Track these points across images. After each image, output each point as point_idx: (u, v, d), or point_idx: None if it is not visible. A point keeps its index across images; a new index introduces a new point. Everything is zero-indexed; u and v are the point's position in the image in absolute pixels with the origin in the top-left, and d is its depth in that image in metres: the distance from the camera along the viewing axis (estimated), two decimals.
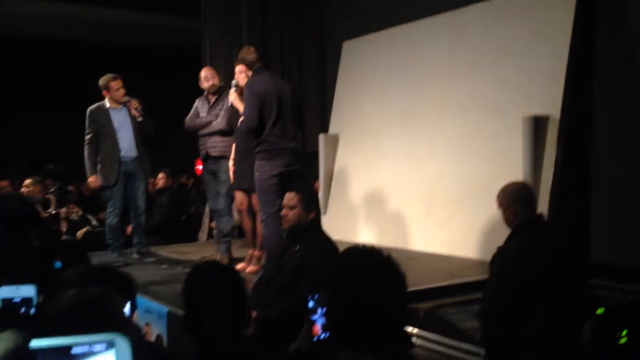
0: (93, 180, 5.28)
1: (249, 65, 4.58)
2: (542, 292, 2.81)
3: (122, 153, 5.30)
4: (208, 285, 1.80)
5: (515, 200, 3.06)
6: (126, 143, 5.32)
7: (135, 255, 5.55)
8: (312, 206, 3.28)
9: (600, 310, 3.31)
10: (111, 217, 5.39)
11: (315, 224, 3.30)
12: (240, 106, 4.75)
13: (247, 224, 5.15)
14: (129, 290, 1.79)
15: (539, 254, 2.89)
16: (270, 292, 3.22)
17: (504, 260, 2.98)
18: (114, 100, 5.32)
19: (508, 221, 3.12)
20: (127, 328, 1.38)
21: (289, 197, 3.28)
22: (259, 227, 4.89)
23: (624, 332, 3.27)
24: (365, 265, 1.55)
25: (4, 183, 5.73)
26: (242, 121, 4.51)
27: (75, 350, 1.06)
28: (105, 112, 5.33)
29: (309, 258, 3.08)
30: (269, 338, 3.05)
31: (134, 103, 5.30)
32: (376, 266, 1.54)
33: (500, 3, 5.46)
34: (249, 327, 1.98)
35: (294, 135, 4.57)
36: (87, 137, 5.32)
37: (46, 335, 1.26)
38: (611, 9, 4.95)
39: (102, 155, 5.30)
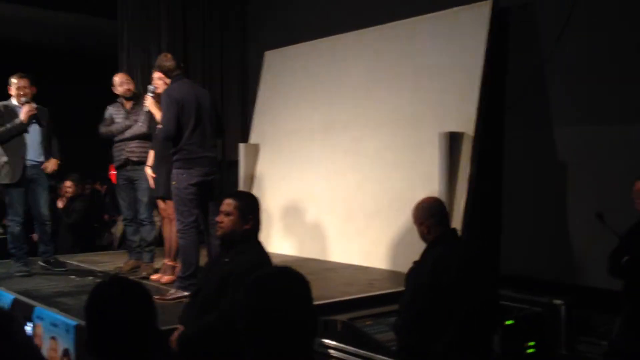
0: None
1: (166, 73, 4.47)
2: (456, 305, 2.88)
3: (27, 155, 5.04)
4: (110, 302, 1.71)
5: (429, 216, 3.14)
6: (31, 145, 5.07)
7: (41, 263, 5.27)
8: (249, 216, 3.13)
9: (509, 322, 3.45)
10: (12, 224, 5.11)
11: (250, 235, 3.14)
12: (157, 112, 4.66)
13: (167, 232, 5.01)
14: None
15: (452, 268, 2.96)
16: (196, 305, 3.10)
17: (420, 274, 3.04)
18: (17, 99, 5.07)
19: (422, 235, 3.19)
20: (27, 349, 1.29)
21: (227, 203, 3.12)
22: (174, 236, 4.79)
23: (532, 343, 3.43)
24: (274, 276, 1.59)
25: None
26: (160, 129, 4.40)
27: None
28: (12, 109, 5.05)
29: (236, 271, 2.95)
30: (190, 355, 2.94)
31: (27, 107, 5.03)
32: (283, 277, 1.58)
33: (420, 21, 5.61)
34: (158, 345, 1.90)
35: (213, 144, 4.48)
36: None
37: None
38: (522, 29, 5.21)
39: (6, 153, 5.02)
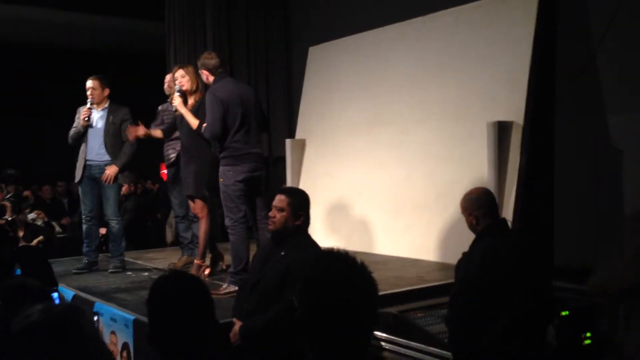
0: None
1: (210, 71, 4.50)
2: (507, 296, 2.85)
3: (89, 155, 5.20)
4: (171, 296, 1.76)
5: (478, 206, 3.10)
6: (92, 146, 5.22)
7: (115, 264, 5.35)
8: (300, 211, 3.21)
9: (564, 313, 3.39)
10: (83, 222, 5.34)
11: (301, 229, 3.22)
12: (185, 112, 4.70)
13: (203, 233, 5.06)
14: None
15: (503, 259, 2.93)
16: (254, 299, 3.15)
17: (469, 266, 3.01)
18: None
19: (471, 226, 3.16)
20: (95, 343, 1.35)
21: (279, 199, 3.21)
22: (203, 235, 4.90)
23: (588, 334, 3.36)
24: (337, 270, 1.53)
25: None
26: (205, 128, 4.46)
27: None
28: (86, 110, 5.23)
29: (294, 265, 3.01)
30: (254, 347, 3.00)
31: (83, 111, 5.19)
32: (348, 271, 1.52)
33: (464, 10, 5.54)
34: (214, 338, 1.94)
35: (258, 140, 4.53)
36: (71, 129, 5.28)
37: (13, 349, 1.23)
38: (571, 16, 5.08)
39: (76, 155, 5.25)
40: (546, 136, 4.94)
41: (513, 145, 4.79)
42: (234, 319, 3.21)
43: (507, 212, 4.57)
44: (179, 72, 4.85)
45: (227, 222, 4.47)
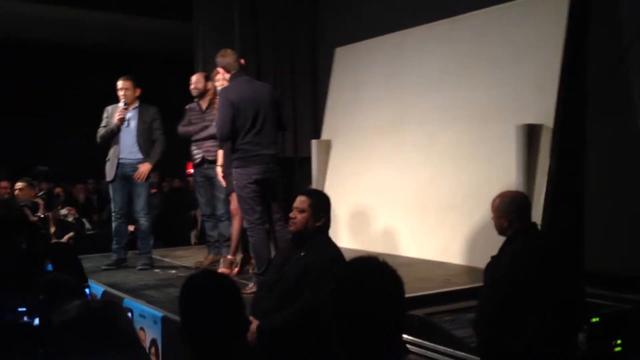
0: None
1: (225, 68, 4.47)
2: (536, 301, 2.82)
3: (122, 154, 5.28)
4: (204, 293, 1.79)
5: (511, 211, 3.07)
6: (125, 145, 5.30)
7: (143, 262, 5.42)
8: (321, 213, 3.22)
9: (595, 319, 3.33)
10: (113, 219, 5.42)
11: (322, 231, 3.23)
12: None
13: (236, 230, 5.11)
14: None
15: (532, 263, 2.90)
16: (273, 298, 3.17)
17: (498, 269, 2.99)
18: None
19: (500, 228, 3.12)
20: (131, 338, 1.37)
21: (300, 200, 3.23)
22: (236, 232, 4.95)
23: (619, 341, 3.30)
24: (366, 273, 1.56)
25: (5, 184, 5.68)
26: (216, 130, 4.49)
27: None
28: (117, 109, 5.31)
29: (313, 265, 3.03)
30: (272, 347, 3.01)
31: (118, 111, 5.26)
32: (376, 274, 1.56)
33: (493, 12, 5.50)
34: (245, 335, 1.97)
35: (272, 141, 4.43)
36: (100, 128, 5.36)
37: (53, 345, 1.25)
38: (603, 18, 5.00)
39: (109, 153, 5.33)
40: (577, 138, 4.87)
41: (543, 148, 4.73)
42: (251, 318, 3.23)
43: (536, 215, 4.50)
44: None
45: (245, 224, 4.47)
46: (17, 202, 5.05)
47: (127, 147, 5.29)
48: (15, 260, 3.10)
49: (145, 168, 5.28)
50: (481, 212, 5.12)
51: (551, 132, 4.72)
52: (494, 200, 3.17)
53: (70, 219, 6.32)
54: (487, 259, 3.12)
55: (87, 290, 2.37)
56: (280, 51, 7.80)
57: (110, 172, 5.30)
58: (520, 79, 5.08)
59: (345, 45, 7.07)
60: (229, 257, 5.08)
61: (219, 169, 5.11)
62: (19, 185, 5.34)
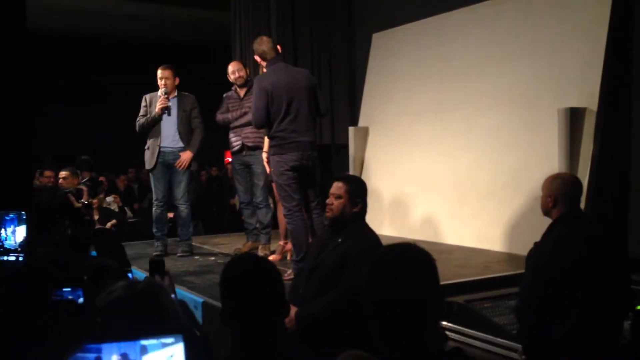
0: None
1: (261, 56, 4.49)
2: (579, 287, 2.76)
3: (163, 143, 5.36)
4: (246, 277, 1.81)
5: (561, 192, 2.97)
6: (167, 133, 5.37)
7: (183, 248, 5.51)
8: (358, 199, 3.21)
9: (639, 307, 3.25)
10: (154, 207, 5.50)
11: (359, 217, 3.22)
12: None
13: (282, 216, 5.16)
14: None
15: (575, 248, 2.83)
16: (311, 285, 3.18)
17: (541, 255, 2.93)
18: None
19: (545, 208, 3.04)
20: (175, 319, 1.40)
21: (337, 187, 3.22)
22: (281, 217, 4.98)
23: None
24: (400, 259, 1.58)
25: (49, 172, 5.83)
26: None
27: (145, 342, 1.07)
28: (157, 98, 5.40)
29: (351, 252, 3.02)
30: (311, 334, 3.03)
31: (160, 100, 5.33)
32: (410, 260, 1.57)
33: None
34: (286, 319, 1.98)
35: (309, 128, 4.41)
36: (137, 120, 5.44)
37: (97, 325, 1.28)
38: None
39: (148, 142, 5.42)
40: (621, 122, 4.73)
41: (586, 133, 4.62)
42: (290, 305, 3.24)
43: (580, 202, 4.42)
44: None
45: (283, 211, 4.50)
46: (62, 190, 5.17)
47: (169, 136, 5.37)
48: (60, 245, 3.18)
49: (187, 156, 5.37)
50: (521, 199, 5.04)
51: (595, 115, 4.61)
52: (546, 180, 3.10)
53: (114, 207, 6.46)
54: (527, 246, 3.06)
55: (129, 275, 2.42)
56: (317, 38, 7.78)
57: (151, 160, 5.39)
58: (564, 62, 4.96)
59: (382, 31, 7.01)
60: (281, 242, 5.18)
61: (264, 155, 5.13)
62: (62, 174, 5.46)
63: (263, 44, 4.49)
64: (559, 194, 2.97)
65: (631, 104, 4.74)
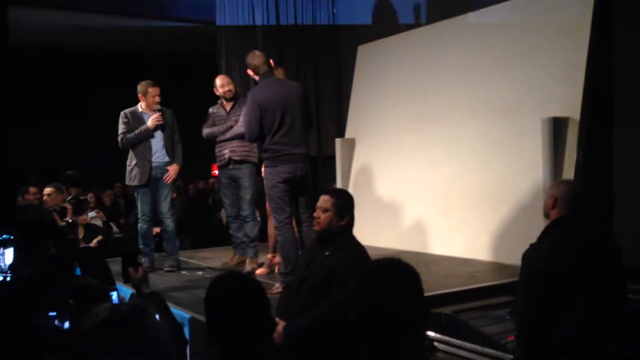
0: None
1: (254, 70, 4.53)
2: (576, 289, 2.75)
3: (153, 157, 5.35)
4: (229, 295, 1.81)
5: (563, 194, 2.96)
6: (157, 148, 5.37)
7: (170, 263, 5.48)
8: (345, 212, 3.21)
9: None
10: (140, 223, 5.46)
11: (346, 230, 3.23)
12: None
13: (272, 229, 5.14)
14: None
15: (570, 251, 2.82)
16: (299, 298, 3.17)
17: (536, 257, 2.93)
18: (147, 105, 5.37)
19: (546, 208, 3.04)
20: (161, 342, 1.39)
21: (324, 200, 3.22)
22: (271, 230, 4.98)
23: None
24: (385, 272, 1.64)
25: (33, 189, 5.78)
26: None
27: None
28: (138, 115, 5.39)
29: (339, 265, 3.03)
30: (299, 347, 3.02)
31: (156, 116, 5.32)
32: (395, 273, 1.63)
33: (516, 4, 5.43)
34: (272, 335, 1.98)
35: (302, 140, 4.45)
36: (120, 136, 5.39)
37: (82, 348, 1.27)
38: (629, 7, 4.90)
39: (135, 157, 5.37)
40: (604, 131, 4.78)
41: (570, 142, 4.66)
42: (277, 319, 3.22)
43: None
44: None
45: (274, 223, 4.50)
46: (46, 208, 5.13)
47: (157, 151, 5.37)
48: (44, 265, 3.15)
49: (174, 169, 5.39)
50: (507, 207, 5.08)
51: (578, 124, 4.65)
52: (552, 183, 3.12)
53: (98, 222, 6.41)
54: (513, 255, 3.09)
55: (114, 294, 2.40)
56: (303, 50, 7.82)
57: (142, 175, 5.32)
58: (546, 72, 5.02)
59: (368, 43, 7.05)
60: (269, 255, 5.16)
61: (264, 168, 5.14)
62: (47, 190, 5.41)
63: (256, 58, 4.53)
64: (560, 196, 2.98)
65: (613, 113, 4.79)
